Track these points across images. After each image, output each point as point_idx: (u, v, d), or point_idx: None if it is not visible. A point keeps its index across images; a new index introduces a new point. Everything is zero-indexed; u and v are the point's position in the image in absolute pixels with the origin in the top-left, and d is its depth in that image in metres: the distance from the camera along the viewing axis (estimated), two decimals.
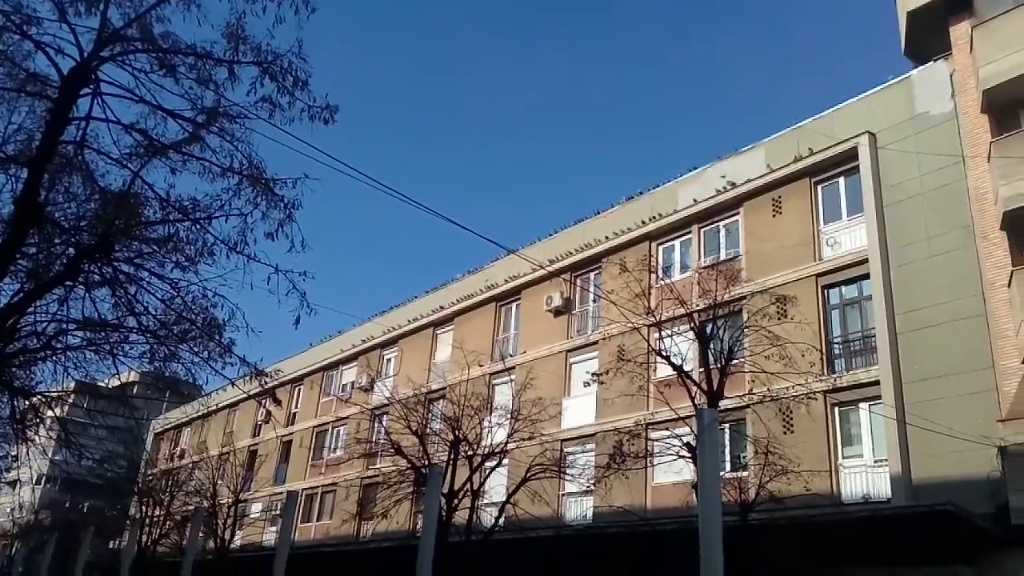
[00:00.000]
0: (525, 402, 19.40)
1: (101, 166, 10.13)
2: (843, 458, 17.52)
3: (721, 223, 22.14)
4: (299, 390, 37.93)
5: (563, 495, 22.50)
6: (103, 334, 11.04)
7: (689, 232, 22.86)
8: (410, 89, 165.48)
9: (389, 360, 33.45)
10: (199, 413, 37.88)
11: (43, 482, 67.71)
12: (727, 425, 17.87)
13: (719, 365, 14.22)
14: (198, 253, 10.00)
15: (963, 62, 17.70)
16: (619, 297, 16.99)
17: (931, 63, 18.68)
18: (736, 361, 15.03)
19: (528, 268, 24.79)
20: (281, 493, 33.44)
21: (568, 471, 19.89)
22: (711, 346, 14.44)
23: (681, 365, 14.41)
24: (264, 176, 9.61)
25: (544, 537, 19.75)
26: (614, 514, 19.38)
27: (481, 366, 25.96)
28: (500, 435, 19.02)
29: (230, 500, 27.19)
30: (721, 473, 8.66)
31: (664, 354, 14.76)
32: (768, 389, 15.63)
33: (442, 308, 30.57)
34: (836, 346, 18.60)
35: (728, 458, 18.35)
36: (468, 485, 17.55)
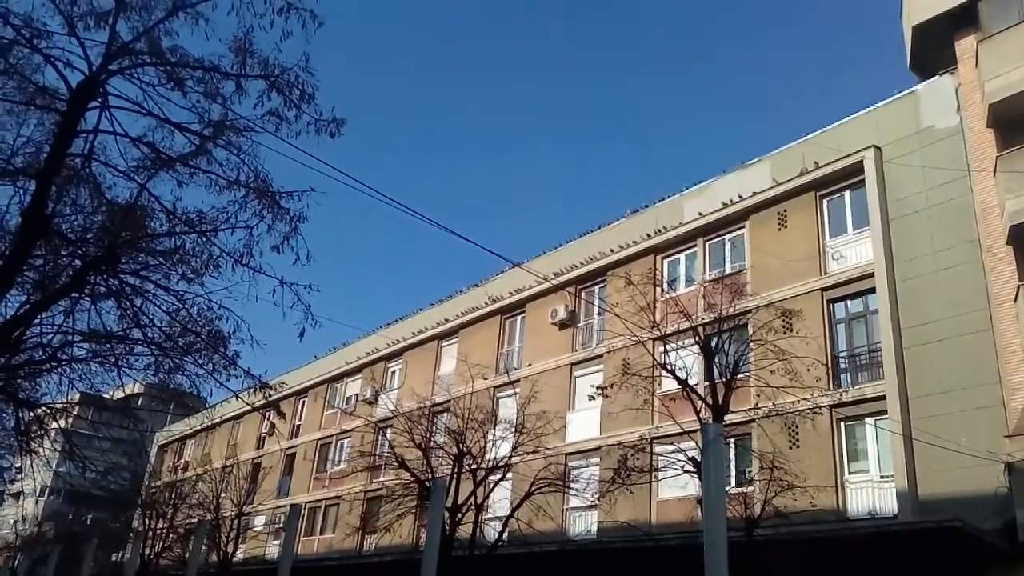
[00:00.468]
0: (529, 415, 19.38)
1: (108, 178, 10.20)
2: (849, 473, 17.41)
3: (726, 237, 22.14)
4: (303, 402, 37.95)
5: (567, 509, 22.37)
6: (108, 346, 11.04)
7: (694, 245, 22.85)
8: (417, 96, 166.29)
9: (393, 373, 33.41)
10: (203, 425, 38.13)
11: (47, 494, 67.84)
12: (732, 440, 17.77)
13: (724, 379, 14.17)
14: (204, 265, 10.04)
15: (969, 76, 17.71)
16: (624, 310, 16.94)
17: (937, 77, 18.69)
18: (741, 375, 14.95)
19: (533, 281, 24.79)
20: (284, 506, 33.31)
21: (572, 485, 19.79)
22: (716, 360, 14.40)
23: (686, 379, 14.33)
24: (270, 189, 9.66)
25: (548, 552, 19.66)
26: (618, 529, 19.27)
27: (485, 379, 25.97)
28: (504, 449, 18.97)
29: (233, 513, 27.16)
30: (726, 488, 8.62)
31: (669, 368, 14.69)
32: (773, 404, 15.56)
33: (447, 321, 30.54)
34: (842, 360, 18.52)
35: (733, 473, 18.21)
36: (472, 499, 17.48)
